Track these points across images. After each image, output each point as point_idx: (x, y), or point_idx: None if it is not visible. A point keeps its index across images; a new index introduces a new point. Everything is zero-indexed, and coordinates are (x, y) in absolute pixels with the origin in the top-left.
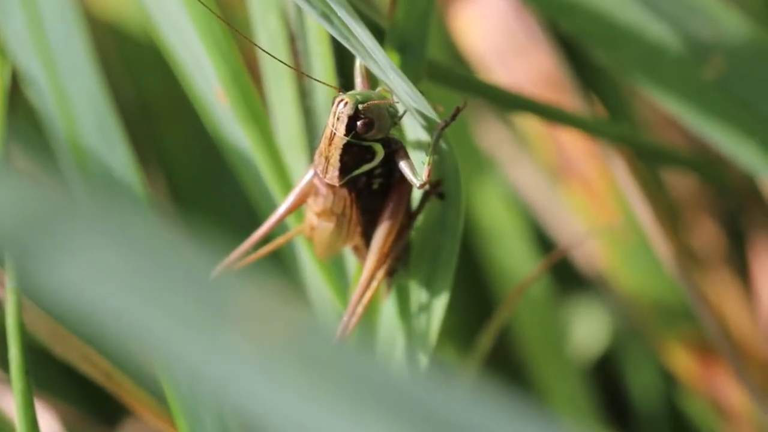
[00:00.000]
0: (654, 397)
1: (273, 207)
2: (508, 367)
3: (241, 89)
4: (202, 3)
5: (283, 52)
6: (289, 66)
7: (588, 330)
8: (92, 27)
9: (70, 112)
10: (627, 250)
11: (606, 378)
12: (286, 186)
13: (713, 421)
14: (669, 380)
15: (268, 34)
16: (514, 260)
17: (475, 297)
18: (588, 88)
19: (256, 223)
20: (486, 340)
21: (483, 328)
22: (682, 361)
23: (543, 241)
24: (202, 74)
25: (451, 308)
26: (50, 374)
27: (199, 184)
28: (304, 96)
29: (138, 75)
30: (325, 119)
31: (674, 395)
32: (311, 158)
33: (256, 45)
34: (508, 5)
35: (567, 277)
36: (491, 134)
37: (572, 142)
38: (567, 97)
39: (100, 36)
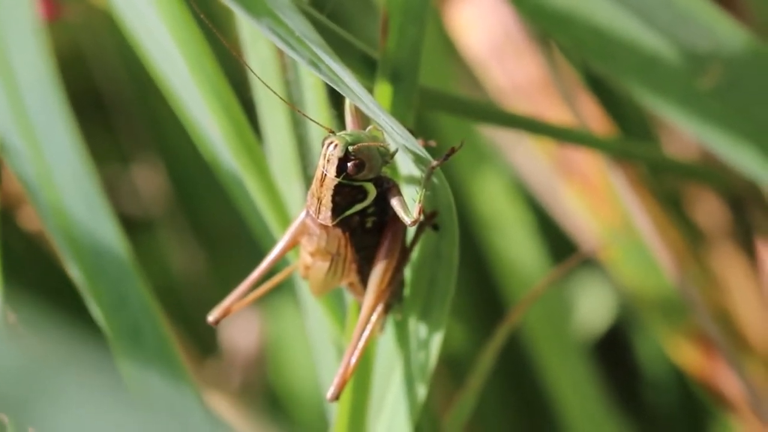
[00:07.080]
0: (659, 380)
1: (267, 230)
2: (514, 349)
3: (231, 121)
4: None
5: (274, 81)
6: (282, 98)
7: (592, 307)
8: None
9: (51, 182)
10: (627, 246)
11: (610, 360)
12: (280, 213)
13: (716, 407)
14: (673, 366)
15: (259, 62)
16: (516, 246)
17: (480, 283)
18: (590, 94)
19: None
20: (495, 343)
21: (489, 321)
22: (685, 352)
23: (541, 219)
24: (195, 104)
25: (458, 293)
26: None
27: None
28: (296, 124)
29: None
30: (317, 147)
31: (679, 379)
32: (305, 185)
33: (250, 69)
34: (505, 5)
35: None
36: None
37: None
38: (564, 97)
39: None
